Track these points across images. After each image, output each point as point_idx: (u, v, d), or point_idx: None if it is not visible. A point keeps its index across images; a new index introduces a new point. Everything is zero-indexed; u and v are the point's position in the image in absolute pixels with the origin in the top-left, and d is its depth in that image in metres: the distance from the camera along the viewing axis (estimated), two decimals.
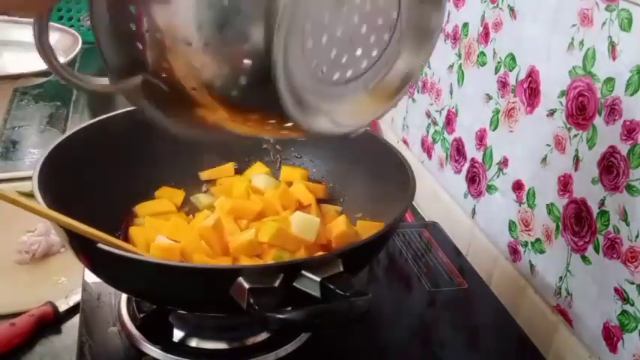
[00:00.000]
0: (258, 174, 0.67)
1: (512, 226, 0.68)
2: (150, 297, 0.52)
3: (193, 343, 0.54)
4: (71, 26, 1.42)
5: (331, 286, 0.42)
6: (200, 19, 0.35)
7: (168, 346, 0.52)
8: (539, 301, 0.65)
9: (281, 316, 0.39)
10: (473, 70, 0.75)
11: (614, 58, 0.53)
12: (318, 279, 0.42)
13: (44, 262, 0.75)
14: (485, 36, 0.72)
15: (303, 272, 0.43)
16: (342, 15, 0.38)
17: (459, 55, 0.78)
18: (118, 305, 0.56)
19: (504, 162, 0.70)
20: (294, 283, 0.43)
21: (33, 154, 1.00)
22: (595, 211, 0.56)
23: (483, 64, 0.73)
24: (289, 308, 0.40)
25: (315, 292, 0.42)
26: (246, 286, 0.41)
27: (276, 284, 0.42)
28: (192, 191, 0.67)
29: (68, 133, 0.59)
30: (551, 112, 0.61)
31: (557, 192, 0.61)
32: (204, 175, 0.69)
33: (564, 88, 0.59)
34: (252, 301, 0.40)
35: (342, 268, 0.43)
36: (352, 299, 0.41)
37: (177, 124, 0.43)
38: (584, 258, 0.58)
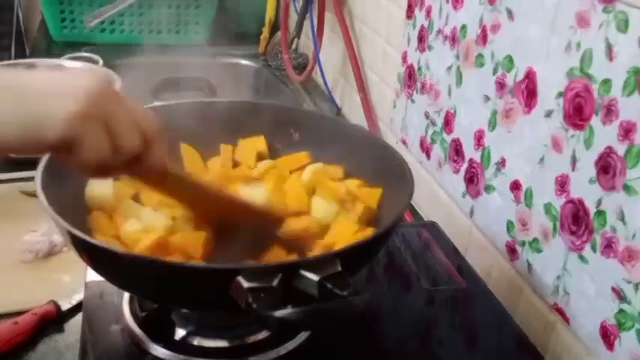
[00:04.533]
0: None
1: (510, 225, 0.69)
2: (151, 295, 0.52)
3: (195, 341, 0.54)
4: (74, 28, 1.43)
5: (329, 286, 0.42)
6: None
7: (170, 344, 0.53)
8: (537, 300, 0.65)
9: (279, 316, 0.40)
10: (471, 72, 0.76)
11: (611, 60, 0.54)
12: (316, 278, 0.43)
13: (47, 261, 0.76)
14: (483, 37, 0.73)
15: (302, 272, 0.43)
16: None
17: (458, 57, 0.79)
18: (121, 304, 0.57)
19: (502, 162, 0.70)
20: (293, 283, 0.43)
21: None
22: (592, 210, 0.56)
23: (481, 65, 0.73)
24: (289, 307, 0.41)
25: (314, 292, 0.43)
26: (245, 285, 0.42)
27: (275, 283, 0.42)
28: None
29: None
30: (549, 113, 0.62)
31: (555, 192, 0.61)
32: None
33: (561, 89, 0.60)
34: (250, 300, 0.41)
35: (340, 268, 0.44)
36: (350, 299, 0.42)
37: None
38: (581, 257, 0.58)
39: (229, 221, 0.57)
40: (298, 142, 0.70)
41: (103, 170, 0.43)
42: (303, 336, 0.54)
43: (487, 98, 0.72)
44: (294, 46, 1.42)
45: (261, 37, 1.53)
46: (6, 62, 1.12)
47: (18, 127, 0.39)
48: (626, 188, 0.52)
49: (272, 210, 0.60)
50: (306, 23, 1.32)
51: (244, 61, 1.50)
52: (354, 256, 0.50)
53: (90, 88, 0.41)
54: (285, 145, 0.70)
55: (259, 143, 0.69)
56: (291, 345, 0.53)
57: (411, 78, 0.92)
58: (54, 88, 0.40)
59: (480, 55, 0.73)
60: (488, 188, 0.73)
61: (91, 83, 0.41)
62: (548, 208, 0.62)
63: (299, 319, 0.41)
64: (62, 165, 0.43)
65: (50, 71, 0.43)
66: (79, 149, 0.40)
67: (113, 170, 0.46)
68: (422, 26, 0.88)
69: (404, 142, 0.95)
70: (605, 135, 0.55)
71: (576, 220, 0.58)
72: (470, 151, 0.76)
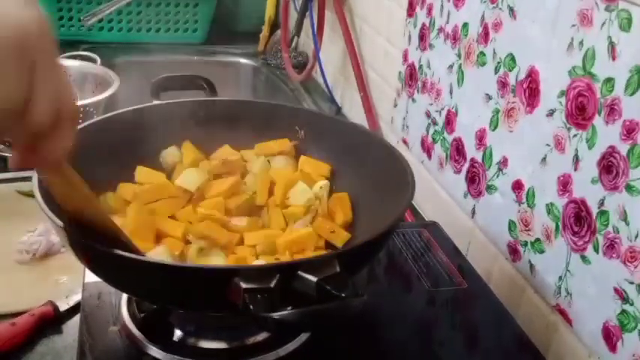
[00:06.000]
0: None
1: (511, 225, 0.69)
2: (148, 296, 0.52)
3: (194, 342, 0.54)
4: (71, 26, 1.43)
5: (327, 287, 0.42)
6: None
7: (168, 345, 0.53)
8: (539, 300, 0.65)
9: (276, 317, 0.40)
10: (473, 70, 0.75)
11: (613, 58, 0.53)
12: (314, 279, 0.42)
13: (45, 261, 0.75)
14: (484, 36, 0.72)
15: (300, 273, 0.43)
16: None
17: (459, 55, 0.78)
18: (119, 305, 0.56)
19: (504, 162, 0.70)
20: (291, 284, 0.43)
21: None
22: (595, 210, 0.56)
23: (483, 64, 0.73)
24: (289, 308, 0.40)
25: (312, 293, 0.42)
26: (243, 286, 0.41)
27: (272, 284, 0.42)
28: None
29: None
30: (551, 112, 0.62)
31: (557, 192, 0.61)
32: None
33: (564, 88, 0.60)
34: (247, 301, 0.40)
35: (338, 269, 0.44)
36: (347, 300, 0.41)
37: None
38: (583, 258, 0.58)
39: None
40: (303, 141, 0.69)
41: None
42: (303, 337, 0.54)
43: (489, 97, 0.72)
44: (293, 45, 1.42)
45: (261, 35, 1.52)
46: None
47: None
48: (629, 188, 0.52)
49: None
50: (306, 22, 1.31)
51: (243, 60, 1.50)
52: (354, 256, 0.50)
53: (29, 20, 0.32)
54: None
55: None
56: (291, 346, 0.53)
57: (411, 77, 0.92)
58: None
59: (482, 54, 0.73)
60: (490, 188, 0.73)
61: (35, 16, 0.33)
62: (550, 208, 0.62)
63: (296, 321, 0.41)
64: None
65: None
66: None
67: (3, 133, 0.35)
68: (423, 24, 0.87)
69: (405, 142, 0.95)
70: (607, 134, 0.54)
71: (578, 221, 0.58)
72: (471, 151, 0.76)
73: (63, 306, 0.66)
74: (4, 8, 0.33)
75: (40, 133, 0.35)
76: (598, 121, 0.55)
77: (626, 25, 0.52)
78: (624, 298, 0.53)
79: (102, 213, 0.49)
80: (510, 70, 0.68)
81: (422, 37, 0.88)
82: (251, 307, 0.40)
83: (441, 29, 0.82)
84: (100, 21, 1.39)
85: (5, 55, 0.32)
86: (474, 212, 0.76)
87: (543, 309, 0.64)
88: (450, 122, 0.81)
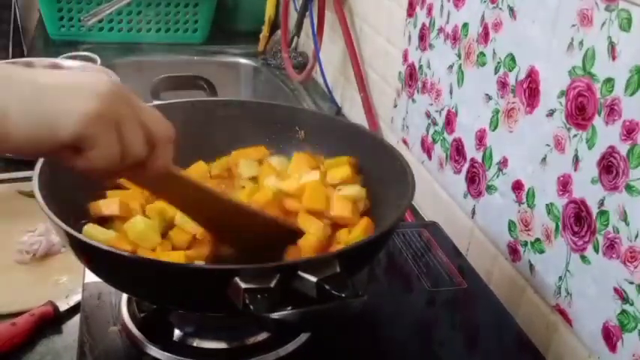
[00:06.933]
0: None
1: (511, 226, 0.69)
2: (148, 296, 0.52)
3: (193, 342, 0.54)
4: (71, 27, 1.43)
5: (327, 287, 0.42)
6: None
7: (168, 345, 0.53)
8: (539, 300, 0.65)
9: (275, 317, 0.40)
10: (472, 71, 0.75)
11: (613, 58, 0.53)
12: (314, 279, 0.42)
13: (45, 261, 0.75)
14: (484, 36, 0.72)
15: (300, 273, 0.43)
16: None
17: (459, 56, 0.78)
18: (119, 305, 0.56)
19: (504, 162, 0.70)
20: (292, 284, 0.43)
21: None
22: (594, 211, 0.56)
23: (483, 64, 0.73)
24: (289, 308, 0.40)
25: (312, 293, 0.42)
26: (242, 286, 0.41)
27: (273, 284, 0.42)
28: None
29: None
30: (551, 113, 0.62)
31: (557, 192, 0.61)
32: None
33: (564, 88, 0.60)
34: (247, 301, 0.40)
35: (338, 269, 0.44)
36: (347, 300, 0.41)
37: None
38: (583, 258, 0.58)
39: (233, 229, 0.55)
40: (303, 141, 0.69)
41: (106, 175, 0.43)
42: (303, 337, 0.54)
43: (489, 97, 0.72)
44: (293, 45, 1.42)
45: (261, 35, 1.52)
46: (4, 61, 1.12)
47: (30, 124, 0.37)
48: (629, 188, 0.52)
49: (285, 223, 0.58)
50: (306, 22, 1.31)
51: (243, 60, 1.50)
52: (354, 256, 0.50)
53: (105, 87, 0.40)
54: (290, 144, 0.69)
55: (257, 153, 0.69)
56: (291, 346, 0.53)
57: (412, 77, 0.92)
58: (69, 85, 0.39)
59: (482, 54, 0.73)
60: (490, 188, 0.73)
61: (105, 82, 0.40)
62: (550, 208, 0.62)
63: (296, 321, 0.41)
64: (65, 168, 0.41)
65: (63, 70, 0.42)
66: (90, 152, 0.39)
67: (115, 175, 0.44)
68: (423, 24, 0.87)
69: (405, 142, 0.95)
70: (607, 134, 0.54)
71: (578, 221, 0.58)
72: (471, 151, 0.76)
73: (63, 306, 0.67)
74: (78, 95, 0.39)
75: (141, 162, 0.43)
76: (598, 121, 0.55)
77: (626, 25, 0.52)
78: (624, 298, 0.53)
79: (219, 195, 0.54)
80: (510, 70, 0.68)
81: (422, 37, 0.88)
82: (251, 307, 0.40)
83: (441, 29, 0.82)
84: (100, 21, 1.39)
85: (96, 130, 0.39)
86: (473, 212, 0.76)
87: (543, 309, 0.64)
88: (450, 122, 0.81)
